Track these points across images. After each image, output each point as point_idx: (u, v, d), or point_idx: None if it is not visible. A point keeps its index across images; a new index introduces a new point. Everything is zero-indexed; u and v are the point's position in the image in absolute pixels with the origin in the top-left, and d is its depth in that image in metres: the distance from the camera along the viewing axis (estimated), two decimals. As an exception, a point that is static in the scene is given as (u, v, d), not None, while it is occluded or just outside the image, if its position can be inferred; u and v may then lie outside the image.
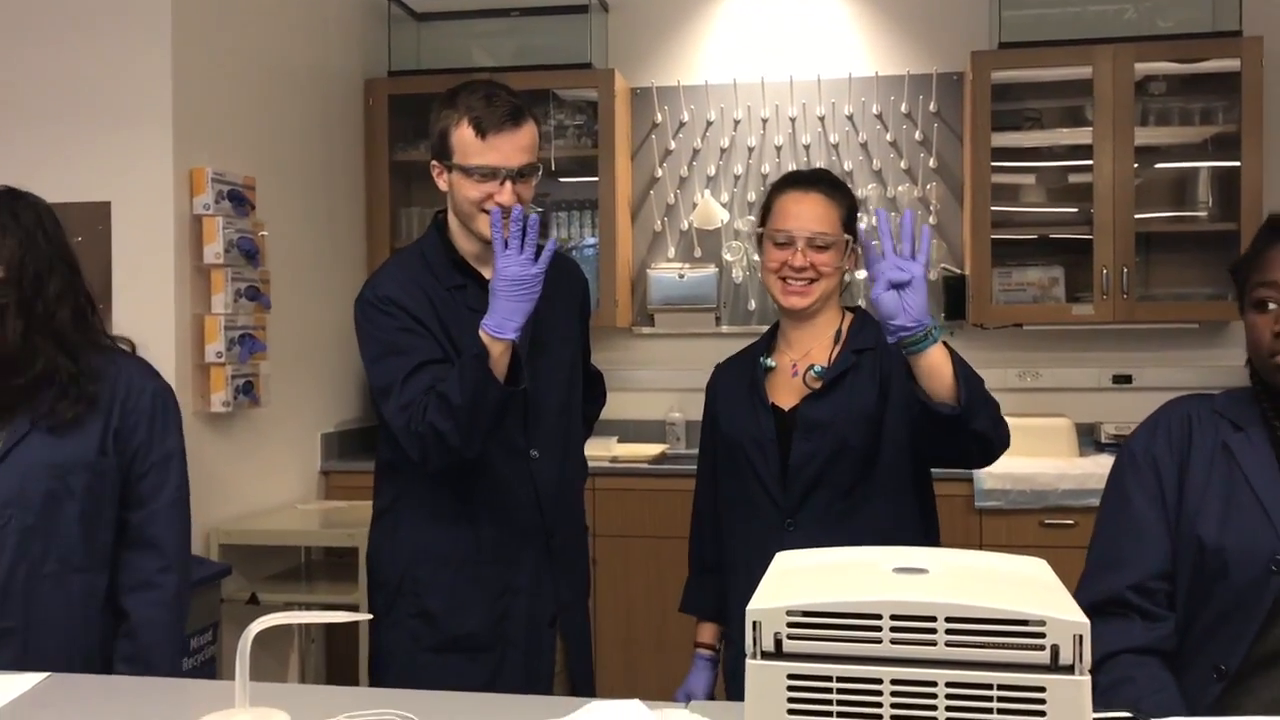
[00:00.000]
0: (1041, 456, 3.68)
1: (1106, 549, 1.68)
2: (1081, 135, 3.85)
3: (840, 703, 0.87)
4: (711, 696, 2.21)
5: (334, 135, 4.06)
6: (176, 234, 3.13)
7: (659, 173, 4.29)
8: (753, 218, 4.17)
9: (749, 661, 0.89)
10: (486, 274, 2.10)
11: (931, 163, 4.10)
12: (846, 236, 2.06)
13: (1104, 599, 1.62)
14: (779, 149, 4.21)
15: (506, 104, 2.03)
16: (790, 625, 0.88)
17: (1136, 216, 3.78)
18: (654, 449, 4.07)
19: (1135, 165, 3.77)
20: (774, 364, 2.13)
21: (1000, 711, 0.85)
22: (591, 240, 4.21)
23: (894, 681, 0.86)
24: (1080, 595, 1.47)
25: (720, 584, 2.18)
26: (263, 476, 3.58)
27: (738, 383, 2.16)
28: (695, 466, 2.31)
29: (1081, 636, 0.85)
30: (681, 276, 4.18)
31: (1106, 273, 3.77)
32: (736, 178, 4.25)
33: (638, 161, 4.31)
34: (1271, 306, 1.60)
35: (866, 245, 1.86)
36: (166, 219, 3.12)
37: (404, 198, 4.38)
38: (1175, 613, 1.62)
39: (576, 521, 2.29)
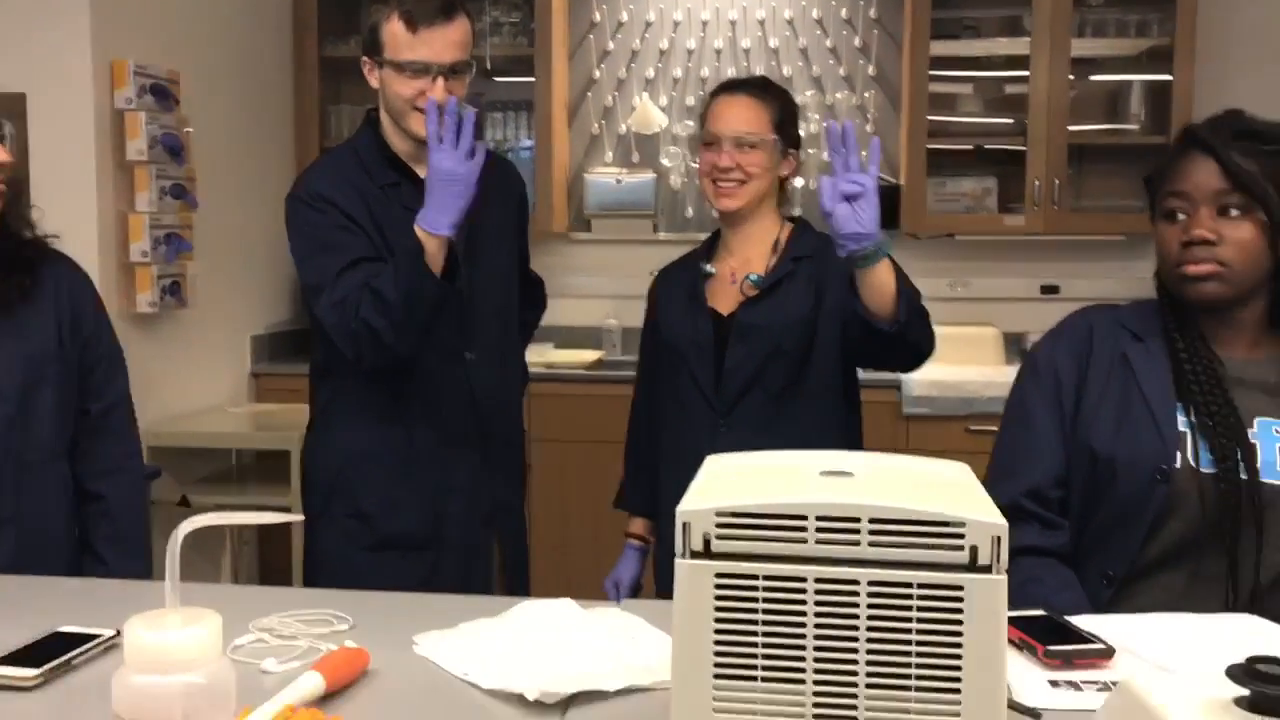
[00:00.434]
0: (969, 365, 3.76)
1: (1004, 457, 1.71)
2: (1019, 45, 3.85)
3: (766, 600, 0.89)
4: (639, 585, 2.28)
5: (261, 29, 3.93)
6: (97, 129, 3.03)
7: (597, 74, 4.22)
8: (691, 123, 4.14)
9: (678, 561, 0.91)
10: (421, 172, 2.08)
11: (870, 70, 4.09)
12: (774, 137, 2.07)
13: (1001, 505, 1.64)
14: (719, 53, 4.16)
15: None
16: (719, 526, 0.90)
17: (1069, 129, 3.81)
18: (590, 355, 4.08)
19: (1070, 77, 3.79)
20: (714, 270, 2.16)
21: (920, 609, 0.88)
22: (527, 143, 4.15)
23: (818, 580, 0.89)
24: None
25: (653, 481, 2.23)
26: (191, 379, 3.53)
27: (678, 288, 2.19)
28: (631, 373, 2.34)
29: (999, 538, 0.88)
30: (619, 182, 4.15)
31: (1038, 184, 3.81)
32: (675, 81, 4.20)
33: (575, 62, 4.24)
34: (1180, 217, 1.60)
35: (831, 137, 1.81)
36: (86, 113, 3.01)
37: (333, 95, 4.27)
38: (1070, 519, 1.66)
39: (513, 425, 2.30)
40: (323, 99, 4.16)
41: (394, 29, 1.99)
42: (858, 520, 0.88)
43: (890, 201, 3.94)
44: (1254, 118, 1.62)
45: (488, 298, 2.16)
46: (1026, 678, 1.22)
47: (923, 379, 3.47)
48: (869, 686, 0.88)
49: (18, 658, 1.26)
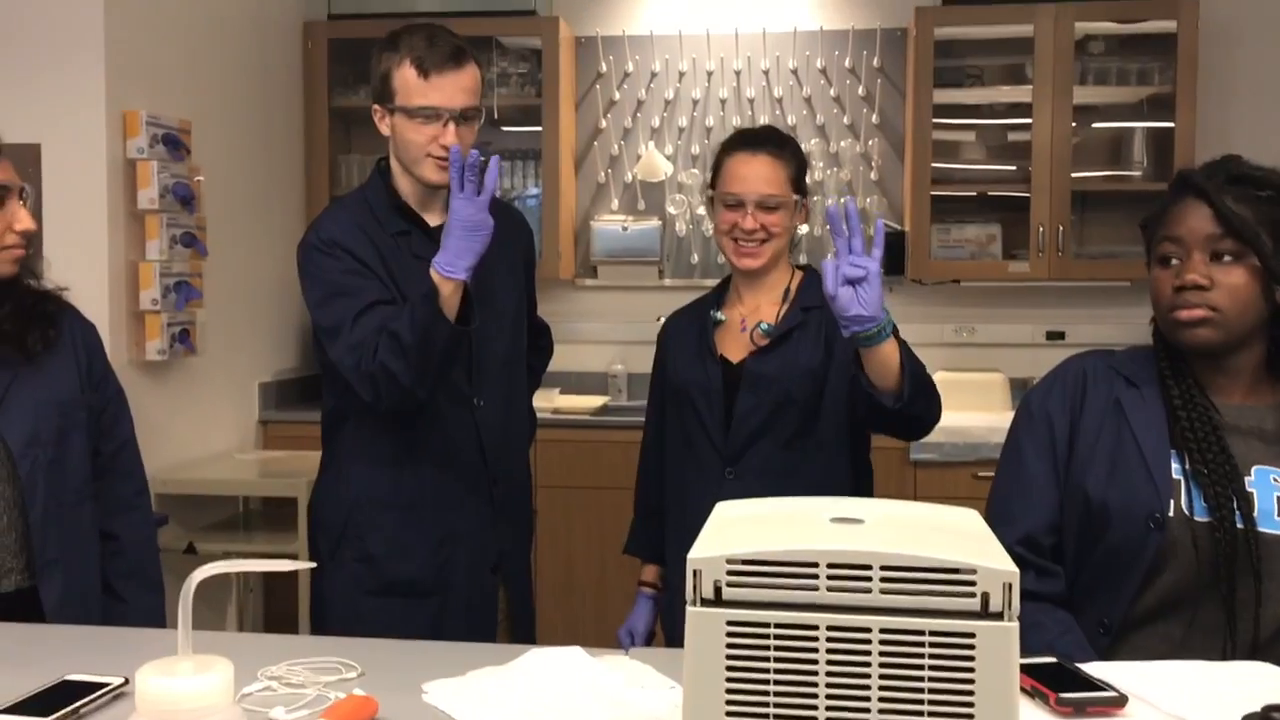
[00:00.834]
0: (975, 411, 3.76)
1: (998, 504, 1.71)
2: (1021, 93, 3.89)
3: (778, 648, 0.89)
4: (653, 632, 2.27)
5: (272, 79, 3.98)
6: (109, 178, 3.06)
7: (603, 123, 4.26)
8: (696, 170, 4.18)
9: (689, 609, 0.91)
10: (430, 220, 2.10)
11: (874, 118, 4.12)
12: (795, 196, 2.09)
13: None
14: (723, 102, 4.20)
15: (448, 44, 2.03)
16: (730, 573, 0.90)
17: (1073, 175, 3.84)
18: (596, 401, 4.09)
19: (1073, 124, 3.83)
20: (724, 318, 2.18)
21: (932, 657, 0.87)
22: (534, 191, 4.18)
23: (830, 628, 0.89)
24: None
25: (663, 527, 2.22)
26: (200, 426, 3.54)
27: (688, 333, 2.20)
28: (637, 419, 2.34)
29: (1011, 585, 0.88)
30: (625, 229, 4.17)
31: (1043, 230, 3.83)
32: (681, 130, 4.24)
33: (582, 112, 4.28)
34: (1174, 262, 1.59)
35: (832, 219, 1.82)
36: (99, 162, 3.04)
37: (343, 144, 4.32)
38: (1064, 566, 1.65)
39: (520, 471, 2.30)
40: (333, 148, 4.20)
41: (405, 75, 2.02)
42: (869, 568, 0.88)
43: (895, 248, 3.97)
44: (1249, 163, 1.62)
45: (495, 344, 2.17)
46: (1039, 726, 1.22)
47: (929, 425, 3.47)
48: (881, 735, 0.88)
49: (26, 707, 1.26)
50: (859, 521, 0.97)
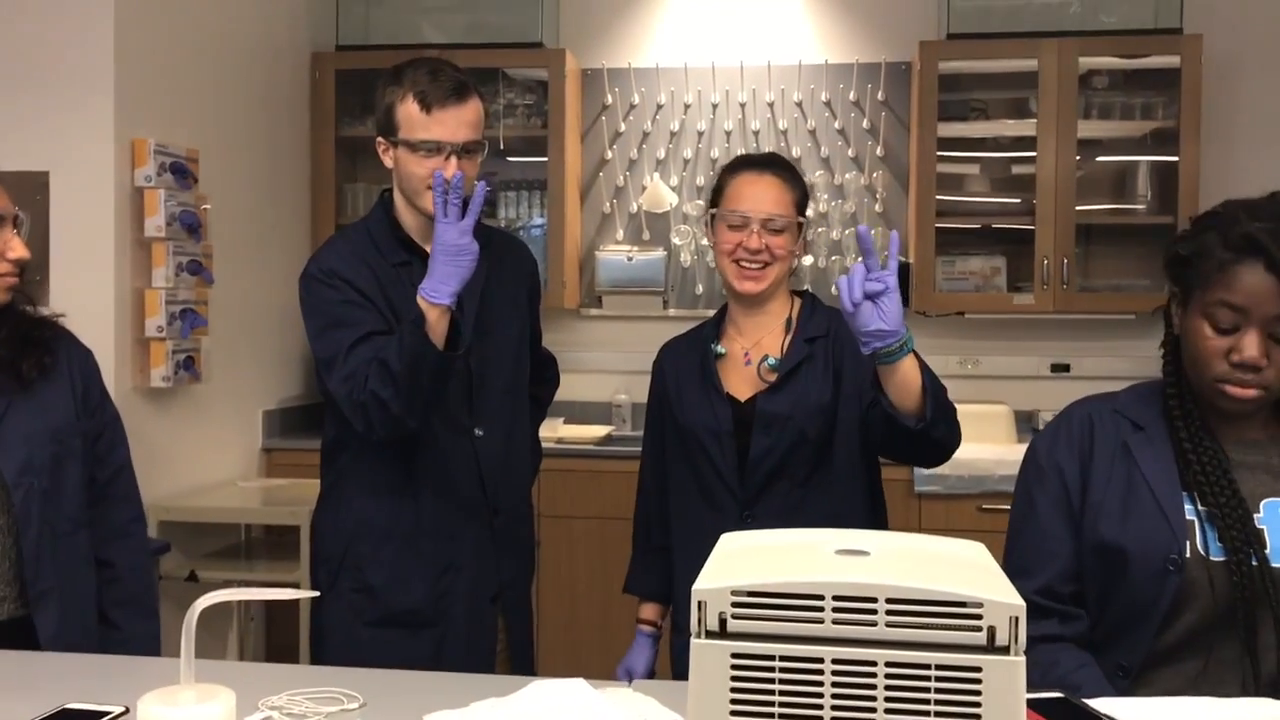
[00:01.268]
0: (980, 443, 3.75)
1: (1015, 558, 1.69)
2: (1025, 127, 3.90)
3: (783, 681, 0.88)
4: (652, 673, 2.23)
5: (280, 109, 4.00)
6: (117, 206, 3.08)
7: (609, 154, 4.28)
8: (701, 201, 4.18)
9: (694, 640, 0.90)
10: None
11: (878, 151, 4.14)
12: (800, 220, 2.08)
13: None
14: (728, 134, 4.22)
15: (451, 79, 2.04)
16: (735, 605, 0.90)
17: (1077, 208, 3.85)
18: (600, 430, 4.08)
19: (1077, 158, 3.84)
20: (724, 351, 2.12)
21: (938, 690, 0.87)
22: (540, 221, 4.19)
23: (835, 661, 0.88)
24: None
25: (665, 564, 2.19)
26: (203, 453, 3.53)
27: (688, 368, 2.14)
28: (640, 449, 2.31)
29: (1017, 619, 0.87)
30: (630, 259, 4.18)
31: (1047, 263, 3.83)
32: (686, 161, 4.25)
33: (587, 143, 4.30)
34: (1228, 330, 1.53)
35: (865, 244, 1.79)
36: (107, 190, 3.06)
37: (349, 174, 4.33)
38: (1085, 610, 1.64)
39: (521, 501, 2.29)
40: (339, 177, 4.22)
41: (408, 109, 2.03)
42: (875, 600, 0.88)
43: (900, 280, 3.95)
44: None
45: (497, 374, 2.17)
46: (1045, 762, 1.21)
47: (934, 457, 3.46)
48: (887, 770, 0.87)
49: (26, 735, 1.25)
50: (864, 553, 0.97)
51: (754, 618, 0.89)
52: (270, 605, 3.68)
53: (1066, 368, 4.08)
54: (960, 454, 3.50)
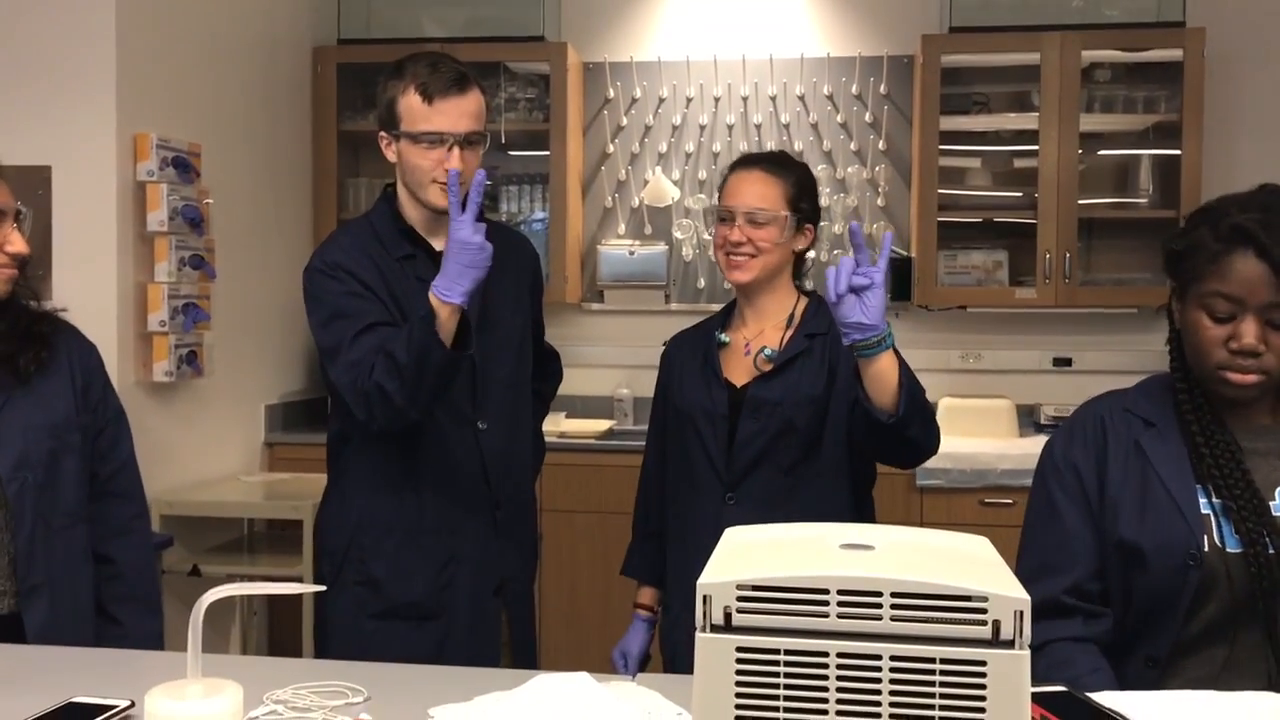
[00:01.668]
0: (982, 437, 3.75)
1: (1038, 556, 1.70)
2: (1027, 120, 3.90)
3: (788, 675, 0.89)
4: (647, 656, 2.26)
5: (281, 103, 4.00)
6: (119, 200, 3.08)
7: (610, 148, 4.28)
8: (703, 196, 4.19)
9: (699, 635, 0.90)
10: (435, 244, 2.11)
11: (881, 145, 4.14)
12: (785, 213, 2.09)
13: (1041, 603, 1.60)
14: (730, 128, 4.22)
15: (452, 70, 2.06)
16: (740, 599, 0.90)
17: (1079, 202, 3.85)
18: (602, 425, 4.08)
19: (1079, 151, 3.84)
20: (728, 340, 2.18)
21: (943, 685, 0.87)
22: (541, 215, 4.19)
23: (840, 655, 0.88)
24: None
25: (661, 549, 2.22)
26: (205, 447, 3.54)
27: (692, 355, 2.20)
28: (643, 443, 2.34)
29: (1022, 613, 0.87)
30: (632, 253, 4.18)
31: (1049, 257, 3.83)
32: (688, 155, 4.25)
33: (589, 137, 4.30)
34: (1222, 316, 1.56)
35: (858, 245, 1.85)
36: (109, 185, 3.06)
37: (351, 168, 4.33)
38: (1111, 607, 1.65)
39: (525, 494, 2.30)
40: (340, 171, 4.22)
41: (410, 101, 2.04)
42: (880, 594, 0.88)
43: (902, 274, 3.97)
44: None
45: (500, 368, 2.17)
46: (1049, 756, 1.21)
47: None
48: (892, 763, 0.87)
49: (32, 729, 1.25)
50: (869, 548, 0.97)
51: (759, 612, 0.90)
52: (272, 600, 3.68)
53: (1069, 362, 4.08)
54: (961, 448, 3.56)
